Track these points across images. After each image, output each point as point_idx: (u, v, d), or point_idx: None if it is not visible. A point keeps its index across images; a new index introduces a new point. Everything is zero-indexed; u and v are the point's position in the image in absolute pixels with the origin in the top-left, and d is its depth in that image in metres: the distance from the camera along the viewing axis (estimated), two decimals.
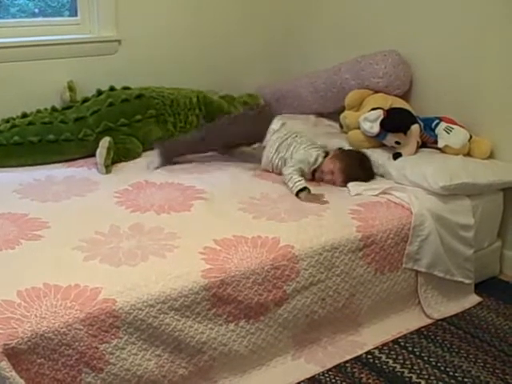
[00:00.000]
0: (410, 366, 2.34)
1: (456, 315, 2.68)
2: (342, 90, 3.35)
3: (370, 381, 2.26)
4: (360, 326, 2.51)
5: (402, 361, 2.37)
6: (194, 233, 2.29)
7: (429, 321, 2.63)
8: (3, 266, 2.02)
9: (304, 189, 2.67)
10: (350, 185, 2.79)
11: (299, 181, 2.70)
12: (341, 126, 3.31)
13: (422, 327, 2.59)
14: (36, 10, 3.52)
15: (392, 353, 2.42)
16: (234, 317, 2.13)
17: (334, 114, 3.49)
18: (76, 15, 3.46)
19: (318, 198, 2.63)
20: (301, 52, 3.93)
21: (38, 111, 3.13)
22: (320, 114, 3.66)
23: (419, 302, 2.65)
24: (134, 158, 3.10)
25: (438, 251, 2.59)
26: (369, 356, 2.39)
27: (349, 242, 2.39)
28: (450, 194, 2.67)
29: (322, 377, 2.27)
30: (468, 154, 2.95)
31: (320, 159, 2.87)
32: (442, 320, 2.64)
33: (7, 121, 3.06)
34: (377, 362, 2.36)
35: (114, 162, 2.98)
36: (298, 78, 3.71)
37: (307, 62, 3.86)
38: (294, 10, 3.92)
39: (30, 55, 3.24)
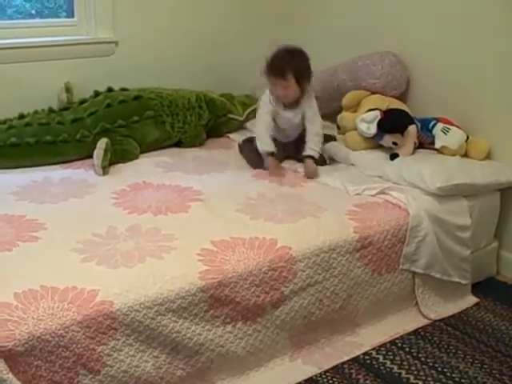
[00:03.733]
0: (407, 367, 2.35)
1: (453, 316, 2.68)
2: (338, 91, 3.36)
3: (367, 382, 2.26)
4: (357, 327, 2.51)
5: (399, 362, 2.38)
6: (191, 234, 2.29)
7: (426, 321, 2.63)
8: (0, 268, 2.01)
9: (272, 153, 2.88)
10: (349, 185, 2.78)
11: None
12: (338, 127, 3.31)
13: (420, 328, 2.59)
14: (33, 12, 3.52)
15: (389, 354, 2.42)
16: (231, 318, 2.13)
17: (331, 115, 3.49)
18: (73, 16, 3.46)
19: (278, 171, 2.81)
20: None
21: (35, 112, 3.12)
22: None
23: (416, 303, 2.66)
24: (132, 159, 3.08)
25: (434, 252, 2.59)
26: (366, 357, 2.39)
27: (346, 243, 2.39)
28: (446, 194, 2.67)
29: (319, 378, 2.27)
30: (465, 155, 2.95)
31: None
32: (439, 321, 2.65)
33: (4, 122, 3.04)
34: (374, 362, 2.37)
35: (112, 163, 2.97)
36: None
37: None
38: (290, 11, 3.92)
39: (27, 56, 3.23)
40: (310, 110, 3.01)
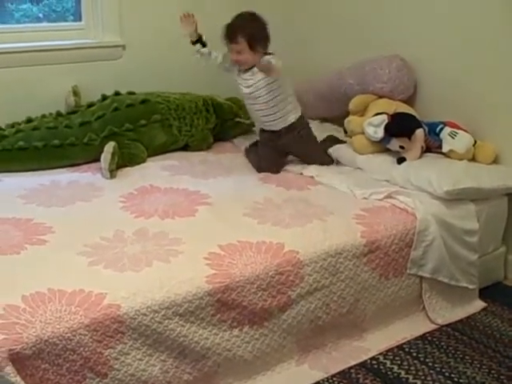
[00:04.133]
0: (414, 372, 2.34)
1: (460, 321, 2.67)
2: (345, 95, 3.35)
3: None
4: (364, 332, 2.51)
5: (406, 367, 2.37)
6: (198, 238, 2.29)
7: (433, 326, 2.62)
8: (8, 271, 2.02)
9: None
10: (356, 188, 2.78)
11: None
12: (345, 131, 3.31)
13: (427, 333, 2.58)
14: (40, 15, 3.54)
15: (397, 358, 2.41)
16: (238, 322, 2.13)
17: (338, 119, 3.49)
18: (80, 20, 3.48)
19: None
20: (304, 57, 3.93)
21: (43, 116, 3.14)
22: (324, 119, 3.66)
23: (424, 308, 2.65)
24: (139, 163, 3.09)
25: (442, 257, 2.58)
26: (373, 362, 2.39)
27: (353, 247, 2.39)
28: (454, 198, 2.66)
29: (326, 382, 2.26)
30: (472, 159, 2.94)
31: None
32: (447, 326, 2.63)
33: (12, 126, 3.06)
34: (381, 367, 2.36)
35: (119, 166, 2.98)
36: (302, 83, 3.70)
37: (311, 66, 3.86)
38: (296, 15, 3.92)
39: (35, 60, 3.25)
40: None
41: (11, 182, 2.82)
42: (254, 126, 3.62)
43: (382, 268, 2.47)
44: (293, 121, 3.03)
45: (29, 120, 3.10)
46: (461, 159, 2.89)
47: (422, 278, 2.61)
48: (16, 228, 2.32)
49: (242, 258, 2.18)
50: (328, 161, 3.11)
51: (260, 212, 2.54)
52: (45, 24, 3.51)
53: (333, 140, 3.26)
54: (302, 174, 3.00)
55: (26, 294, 1.87)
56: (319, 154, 3.12)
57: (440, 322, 2.64)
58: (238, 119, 3.56)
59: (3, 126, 3.06)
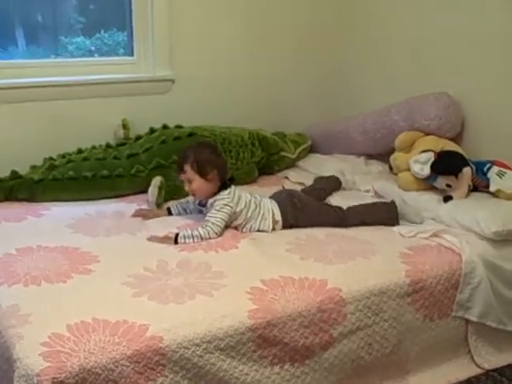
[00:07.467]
0: None
1: (508, 366, 2.59)
2: (391, 132, 3.34)
3: None
4: (408, 374, 2.45)
5: None
6: (241, 272, 2.29)
7: (479, 371, 2.55)
8: (55, 299, 2.05)
9: None
10: (401, 227, 2.75)
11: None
12: (390, 168, 3.29)
13: (472, 377, 2.51)
14: (92, 48, 3.65)
15: None
16: (279, 359, 2.11)
17: (383, 156, 3.48)
18: (131, 53, 3.57)
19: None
20: (350, 92, 3.95)
21: (93, 147, 3.21)
22: (370, 155, 3.65)
23: (469, 351, 2.57)
24: (185, 195, 3.12)
25: (489, 300, 2.51)
26: None
27: (397, 286, 2.35)
28: (502, 239, 2.60)
29: None
30: None
31: None
32: (493, 370, 2.56)
33: (63, 156, 3.14)
34: None
35: (165, 200, 3.01)
36: (348, 119, 3.72)
37: (357, 102, 3.87)
38: (343, 51, 3.95)
39: (87, 93, 3.34)
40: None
41: (60, 211, 2.88)
42: (299, 159, 3.65)
43: (426, 309, 2.42)
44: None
45: (79, 151, 3.18)
46: (509, 199, 2.83)
47: (467, 320, 2.54)
48: (63, 256, 2.36)
49: (285, 294, 2.17)
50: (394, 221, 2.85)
51: (302, 247, 2.53)
52: (97, 58, 3.61)
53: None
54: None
55: (70, 322, 1.89)
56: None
57: (486, 366, 2.56)
58: (283, 153, 3.58)
59: (55, 157, 3.14)
